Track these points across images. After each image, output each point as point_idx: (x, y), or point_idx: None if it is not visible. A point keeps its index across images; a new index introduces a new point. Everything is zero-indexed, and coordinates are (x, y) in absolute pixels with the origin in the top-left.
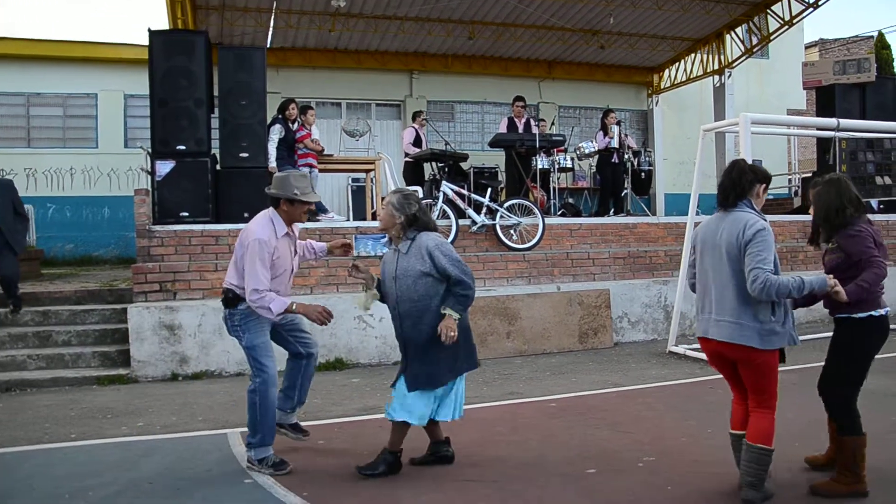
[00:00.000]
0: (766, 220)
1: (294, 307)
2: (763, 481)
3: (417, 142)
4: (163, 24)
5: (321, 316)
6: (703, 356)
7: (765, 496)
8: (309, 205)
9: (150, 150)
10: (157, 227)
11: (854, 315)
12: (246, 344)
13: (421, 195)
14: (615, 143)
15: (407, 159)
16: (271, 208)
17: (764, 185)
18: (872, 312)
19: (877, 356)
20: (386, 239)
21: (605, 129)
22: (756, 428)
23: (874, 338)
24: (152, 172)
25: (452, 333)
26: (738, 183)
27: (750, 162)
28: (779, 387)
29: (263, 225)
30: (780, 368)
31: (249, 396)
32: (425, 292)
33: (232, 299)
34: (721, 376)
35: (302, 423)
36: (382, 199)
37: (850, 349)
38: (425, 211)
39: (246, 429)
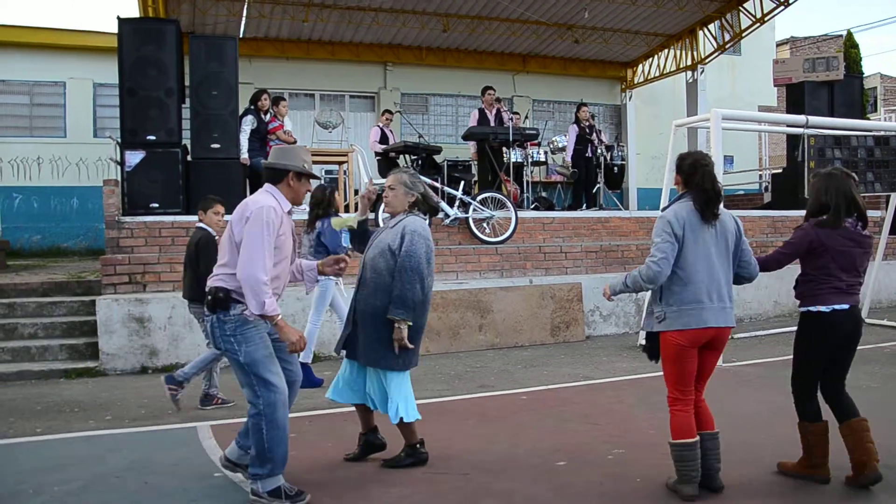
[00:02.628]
0: None
1: (279, 320)
2: None
3: (384, 140)
4: (133, 11)
5: (298, 344)
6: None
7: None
8: (315, 179)
9: (119, 139)
10: (127, 219)
11: (800, 309)
12: (245, 359)
13: None
14: (601, 138)
15: (377, 151)
16: (269, 185)
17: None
18: (810, 308)
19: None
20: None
21: (577, 123)
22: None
23: (809, 333)
24: (122, 163)
25: (402, 342)
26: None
27: (722, 156)
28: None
29: (267, 197)
30: (753, 361)
31: (254, 422)
32: (385, 267)
33: (223, 300)
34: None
35: None
36: (355, 191)
37: (795, 341)
38: (429, 192)
39: (215, 422)
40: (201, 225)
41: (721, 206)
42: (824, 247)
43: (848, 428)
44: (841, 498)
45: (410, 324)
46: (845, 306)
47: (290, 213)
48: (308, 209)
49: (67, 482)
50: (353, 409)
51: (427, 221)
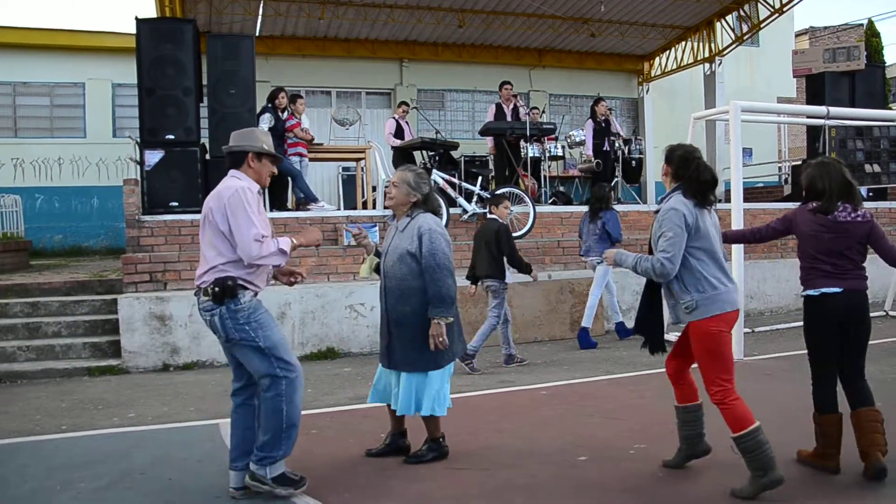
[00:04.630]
0: None
1: (296, 241)
2: None
3: (399, 132)
4: (150, 12)
5: (319, 234)
6: None
7: None
8: (277, 162)
9: (138, 139)
10: (147, 217)
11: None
12: (265, 343)
13: None
14: (616, 129)
15: (394, 146)
16: (232, 170)
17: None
18: (809, 292)
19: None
20: (376, 228)
21: (594, 117)
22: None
23: (806, 317)
24: (141, 162)
25: (441, 339)
26: None
27: (741, 148)
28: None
29: (233, 180)
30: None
31: (272, 403)
32: (408, 272)
33: (231, 287)
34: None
35: None
36: (373, 188)
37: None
38: (433, 191)
39: None
40: (493, 216)
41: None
42: (804, 232)
43: (856, 416)
44: (846, 489)
45: (451, 319)
46: (837, 290)
47: (259, 193)
48: (590, 203)
49: (93, 479)
50: (374, 405)
51: (444, 221)
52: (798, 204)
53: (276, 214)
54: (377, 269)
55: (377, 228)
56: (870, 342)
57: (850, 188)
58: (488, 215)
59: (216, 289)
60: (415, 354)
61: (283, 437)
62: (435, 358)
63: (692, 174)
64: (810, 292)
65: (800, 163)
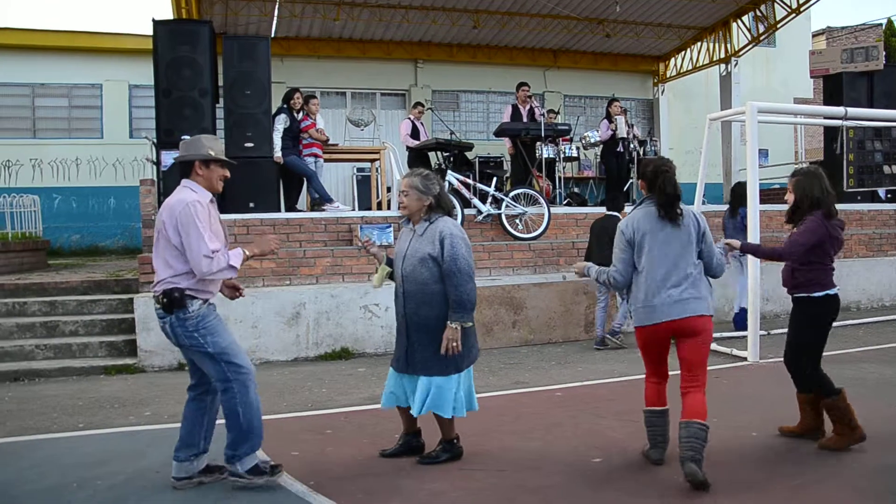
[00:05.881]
0: None
1: (248, 252)
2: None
3: (415, 133)
4: (167, 13)
5: (275, 242)
6: (713, 346)
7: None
8: (228, 166)
9: (155, 140)
10: None
11: (799, 294)
12: (214, 349)
13: None
14: (622, 133)
15: (410, 146)
16: (184, 180)
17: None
18: (828, 291)
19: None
20: (391, 228)
21: (609, 118)
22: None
23: (820, 314)
24: (158, 162)
25: (454, 344)
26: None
27: (757, 149)
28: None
29: (185, 192)
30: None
31: (227, 405)
32: (429, 276)
33: (178, 299)
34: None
35: (308, 413)
36: (388, 189)
37: (801, 323)
38: (444, 189)
39: None
40: (614, 214)
41: (682, 205)
42: (831, 237)
43: (809, 398)
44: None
45: (470, 324)
46: (838, 289)
47: (211, 201)
48: (730, 200)
49: (109, 477)
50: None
51: (459, 220)
52: (801, 216)
53: (292, 215)
54: (391, 277)
55: (392, 229)
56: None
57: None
58: (607, 213)
59: (164, 299)
60: (436, 359)
61: (244, 434)
62: (456, 362)
63: (660, 186)
64: (829, 292)
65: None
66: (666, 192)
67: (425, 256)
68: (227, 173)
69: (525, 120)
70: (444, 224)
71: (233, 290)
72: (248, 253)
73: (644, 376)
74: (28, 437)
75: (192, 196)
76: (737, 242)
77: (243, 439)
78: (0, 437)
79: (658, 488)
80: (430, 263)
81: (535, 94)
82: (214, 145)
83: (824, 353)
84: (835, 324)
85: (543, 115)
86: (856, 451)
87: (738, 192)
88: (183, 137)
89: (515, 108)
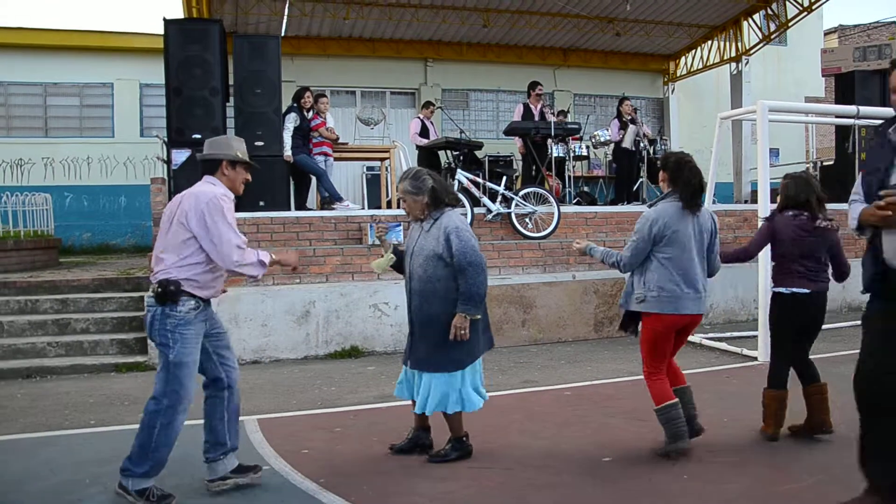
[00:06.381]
0: None
1: (277, 257)
2: None
3: (424, 132)
4: (177, 12)
5: (297, 259)
6: (723, 346)
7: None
8: (251, 170)
9: (165, 138)
10: None
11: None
12: (174, 358)
13: None
14: (627, 144)
15: (420, 144)
16: (207, 176)
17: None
18: (781, 290)
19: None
20: (401, 227)
21: (619, 117)
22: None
23: (778, 311)
24: (168, 161)
25: (462, 332)
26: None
27: (768, 149)
28: None
29: (209, 186)
30: None
31: (149, 418)
32: (434, 273)
33: (174, 293)
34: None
35: (317, 412)
36: (397, 188)
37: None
38: (440, 181)
39: (262, 416)
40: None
41: (703, 201)
42: (781, 235)
43: (811, 390)
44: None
45: (479, 316)
46: (805, 291)
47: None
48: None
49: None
50: (397, 404)
51: (469, 219)
52: (763, 216)
53: (301, 214)
54: (395, 267)
55: (402, 228)
56: None
57: (824, 199)
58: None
59: (159, 289)
60: (439, 355)
61: (148, 454)
62: (459, 358)
63: (686, 177)
64: (782, 290)
65: (831, 163)
66: (691, 183)
67: (430, 254)
68: (250, 177)
69: (536, 119)
70: (449, 220)
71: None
72: (275, 258)
73: (644, 376)
74: (40, 434)
75: (219, 190)
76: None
77: (144, 459)
78: (13, 433)
79: (668, 487)
80: (436, 261)
81: (545, 92)
82: (241, 147)
83: (827, 354)
84: (838, 325)
85: (553, 114)
86: None
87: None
88: (194, 136)
89: (527, 108)
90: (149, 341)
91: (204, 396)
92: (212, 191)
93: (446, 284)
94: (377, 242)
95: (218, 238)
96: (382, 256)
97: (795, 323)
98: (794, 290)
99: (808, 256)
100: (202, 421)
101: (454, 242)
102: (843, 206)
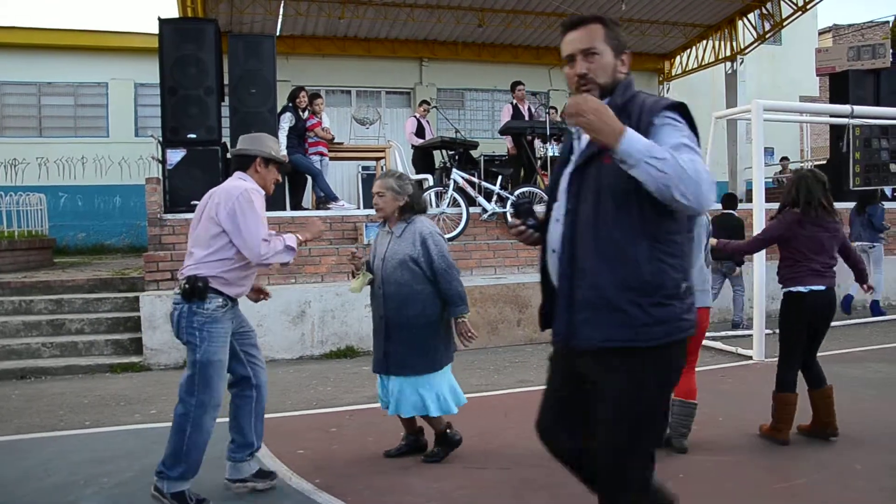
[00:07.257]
0: None
1: (301, 237)
2: None
3: (420, 131)
4: (172, 12)
5: (321, 226)
6: (718, 345)
7: None
8: (284, 170)
9: (160, 138)
10: (169, 216)
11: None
12: (202, 357)
13: (431, 183)
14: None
15: (415, 144)
16: (239, 172)
17: None
18: (799, 288)
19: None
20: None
21: None
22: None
23: (791, 310)
24: (163, 161)
25: (470, 334)
26: None
27: (763, 148)
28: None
29: (241, 182)
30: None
31: (178, 421)
32: (410, 277)
33: (201, 289)
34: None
35: (313, 412)
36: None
37: (780, 316)
38: (417, 189)
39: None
40: (730, 212)
41: None
42: (802, 236)
43: (819, 394)
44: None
45: (468, 314)
46: (821, 287)
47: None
48: (858, 199)
49: (116, 474)
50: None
51: (465, 219)
52: (774, 214)
53: (297, 214)
54: (370, 282)
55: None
56: None
57: (831, 197)
58: (724, 211)
59: (187, 286)
60: (414, 359)
61: (181, 457)
62: (433, 361)
63: None
64: (800, 289)
65: (824, 162)
66: None
67: (405, 258)
68: (280, 178)
69: (525, 118)
70: (422, 224)
71: (257, 293)
72: (301, 238)
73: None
74: (35, 435)
75: (249, 185)
76: (715, 241)
77: (178, 462)
78: (7, 434)
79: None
80: (411, 265)
81: (540, 92)
82: (276, 146)
83: (831, 352)
84: (841, 322)
85: (540, 110)
86: (863, 451)
87: (868, 193)
88: (189, 135)
89: (516, 108)
90: (144, 341)
91: (231, 396)
92: (243, 185)
93: (422, 287)
94: (362, 246)
95: (247, 231)
96: (357, 277)
97: (811, 322)
98: (812, 287)
99: (821, 253)
100: (226, 420)
101: (432, 247)
102: (838, 204)
